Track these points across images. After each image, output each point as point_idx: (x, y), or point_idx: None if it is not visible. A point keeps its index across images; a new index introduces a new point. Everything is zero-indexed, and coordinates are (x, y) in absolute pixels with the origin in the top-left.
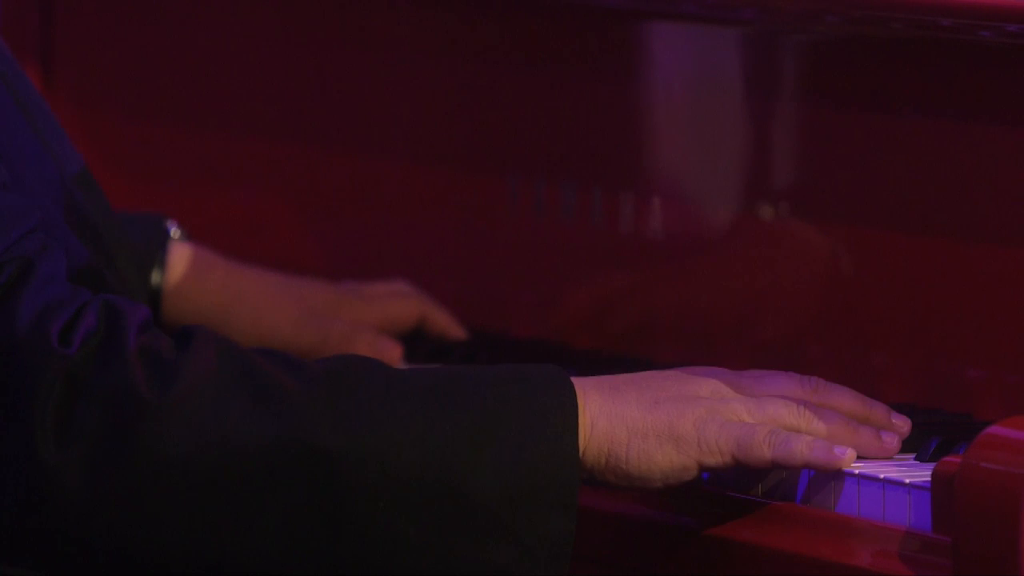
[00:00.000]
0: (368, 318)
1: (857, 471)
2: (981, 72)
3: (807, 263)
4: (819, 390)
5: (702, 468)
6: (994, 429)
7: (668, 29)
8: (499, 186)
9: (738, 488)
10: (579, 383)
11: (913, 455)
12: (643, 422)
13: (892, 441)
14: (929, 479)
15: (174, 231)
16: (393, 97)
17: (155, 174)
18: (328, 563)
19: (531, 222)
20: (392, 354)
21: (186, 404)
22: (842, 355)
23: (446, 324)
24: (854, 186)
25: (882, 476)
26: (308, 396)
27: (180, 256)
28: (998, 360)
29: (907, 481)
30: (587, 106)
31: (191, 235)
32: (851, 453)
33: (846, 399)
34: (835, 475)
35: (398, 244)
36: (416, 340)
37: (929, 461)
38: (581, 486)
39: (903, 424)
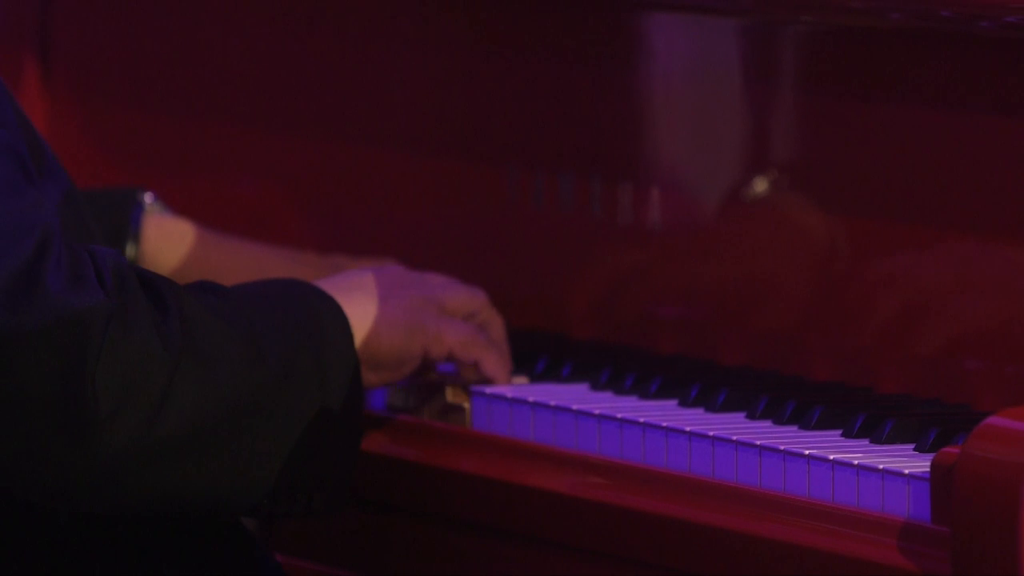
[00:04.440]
0: None
1: (856, 462)
2: (980, 63)
3: (806, 254)
4: (485, 309)
5: (427, 357)
6: (993, 420)
7: (667, 19)
8: (497, 176)
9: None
10: (336, 294)
11: (912, 445)
12: (390, 316)
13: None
14: (928, 469)
15: (148, 203)
16: (391, 88)
17: (154, 165)
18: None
19: (529, 212)
20: None
21: (196, 361)
22: (841, 345)
23: None
24: (852, 177)
25: (881, 467)
26: (273, 330)
27: (154, 228)
28: (997, 351)
29: (906, 472)
30: (585, 96)
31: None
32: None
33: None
34: (834, 464)
35: (396, 234)
36: None
37: (928, 452)
38: None
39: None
